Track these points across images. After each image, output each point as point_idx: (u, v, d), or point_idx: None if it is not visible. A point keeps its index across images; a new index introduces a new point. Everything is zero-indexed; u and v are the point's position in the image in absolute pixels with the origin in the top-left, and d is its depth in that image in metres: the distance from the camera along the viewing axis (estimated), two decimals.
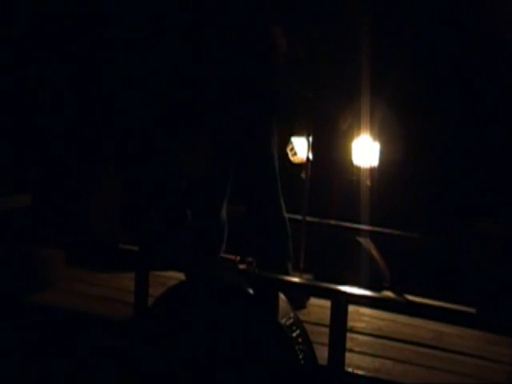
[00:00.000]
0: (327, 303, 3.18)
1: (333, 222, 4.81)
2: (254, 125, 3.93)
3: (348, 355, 3.15)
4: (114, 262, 4.28)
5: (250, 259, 4.36)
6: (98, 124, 5.28)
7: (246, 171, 4.02)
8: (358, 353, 3.46)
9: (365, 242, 4.61)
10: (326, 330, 3.15)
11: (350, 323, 3.35)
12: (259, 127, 3.94)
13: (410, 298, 4.23)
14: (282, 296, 3.16)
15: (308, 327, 3.25)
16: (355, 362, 3.32)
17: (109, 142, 5.17)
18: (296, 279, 3.71)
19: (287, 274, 3.91)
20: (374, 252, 4.59)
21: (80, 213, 4.55)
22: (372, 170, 4.95)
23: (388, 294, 4.39)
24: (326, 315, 3.21)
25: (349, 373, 3.18)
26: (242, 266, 4.30)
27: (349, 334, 3.22)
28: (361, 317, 3.91)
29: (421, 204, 5.68)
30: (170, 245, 4.47)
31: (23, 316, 3.77)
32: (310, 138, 4.39)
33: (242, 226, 4.08)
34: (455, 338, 3.74)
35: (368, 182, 4.94)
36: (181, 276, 3.91)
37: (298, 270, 4.34)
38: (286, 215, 4.03)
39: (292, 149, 4.55)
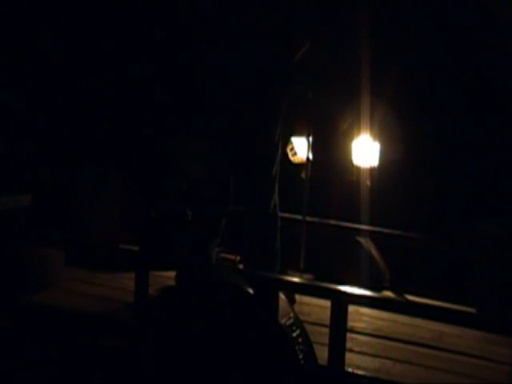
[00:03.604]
0: (327, 303, 3.19)
1: (333, 222, 4.80)
2: (257, 126, 3.89)
3: (348, 355, 3.15)
4: (114, 262, 4.28)
5: (232, 257, 4.37)
6: (97, 124, 5.27)
7: (245, 171, 3.99)
8: (358, 353, 3.46)
9: (365, 242, 4.61)
10: (326, 330, 3.15)
11: (350, 323, 3.34)
12: (263, 128, 3.90)
13: (410, 298, 4.23)
14: (282, 296, 3.16)
15: (308, 327, 3.25)
16: (355, 362, 3.32)
17: (109, 142, 5.17)
18: (296, 279, 3.72)
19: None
20: (374, 252, 4.59)
21: (80, 213, 4.55)
22: (372, 170, 4.95)
23: (388, 294, 4.39)
24: (326, 315, 3.22)
25: (349, 373, 3.17)
26: (241, 266, 4.30)
27: (349, 334, 3.23)
28: (361, 317, 3.91)
29: (421, 204, 5.67)
30: (170, 245, 4.46)
31: (23, 316, 3.77)
32: (310, 138, 4.39)
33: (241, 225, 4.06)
34: (455, 338, 3.74)
35: (368, 182, 4.94)
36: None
37: (298, 270, 4.34)
38: (267, 217, 3.98)
39: (292, 149, 4.55)
